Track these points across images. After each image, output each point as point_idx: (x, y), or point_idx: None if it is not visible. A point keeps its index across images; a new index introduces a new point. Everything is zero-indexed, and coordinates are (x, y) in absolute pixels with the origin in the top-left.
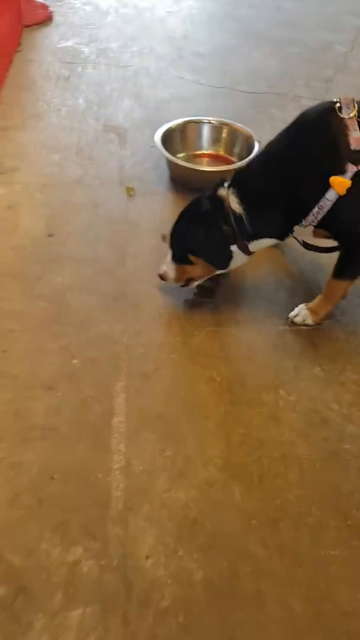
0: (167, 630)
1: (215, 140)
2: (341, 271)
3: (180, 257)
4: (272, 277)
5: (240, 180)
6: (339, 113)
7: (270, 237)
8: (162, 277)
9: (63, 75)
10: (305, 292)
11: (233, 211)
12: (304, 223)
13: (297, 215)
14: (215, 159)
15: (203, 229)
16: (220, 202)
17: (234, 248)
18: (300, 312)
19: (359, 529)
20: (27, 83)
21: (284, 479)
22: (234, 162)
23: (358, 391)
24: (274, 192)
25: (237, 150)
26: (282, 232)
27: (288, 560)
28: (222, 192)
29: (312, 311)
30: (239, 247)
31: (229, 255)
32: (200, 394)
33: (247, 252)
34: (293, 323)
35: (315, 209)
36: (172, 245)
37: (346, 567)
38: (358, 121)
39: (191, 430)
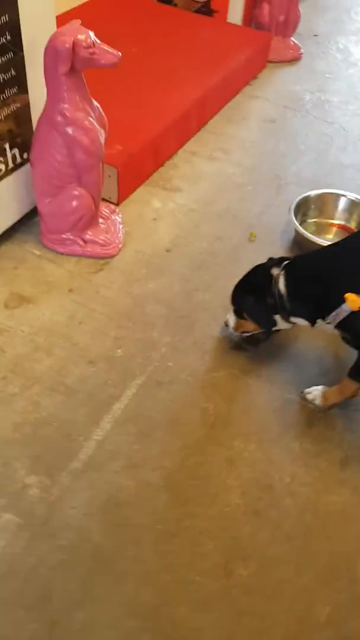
0: None
1: (350, 213)
2: (353, 372)
3: (238, 313)
4: (320, 350)
5: (293, 264)
6: None
7: (304, 319)
8: (226, 323)
9: (270, 117)
10: (338, 375)
11: (278, 290)
12: (326, 320)
13: (323, 312)
14: (344, 230)
15: (252, 297)
16: (271, 278)
17: (277, 317)
18: (314, 392)
19: None
20: (236, 118)
21: (203, 514)
22: None
23: (316, 478)
24: (310, 287)
25: None
26: (311, 321)
27: None
28: (275, 271)
29: (324, 395)
30: (281, 317)
31: (272, 321)
32: (189, 416)
33: (288, 322)
34: (304, 398)
35: (334, 313)
36: (232, 302)
37: None
38: None
39: (162, 439)
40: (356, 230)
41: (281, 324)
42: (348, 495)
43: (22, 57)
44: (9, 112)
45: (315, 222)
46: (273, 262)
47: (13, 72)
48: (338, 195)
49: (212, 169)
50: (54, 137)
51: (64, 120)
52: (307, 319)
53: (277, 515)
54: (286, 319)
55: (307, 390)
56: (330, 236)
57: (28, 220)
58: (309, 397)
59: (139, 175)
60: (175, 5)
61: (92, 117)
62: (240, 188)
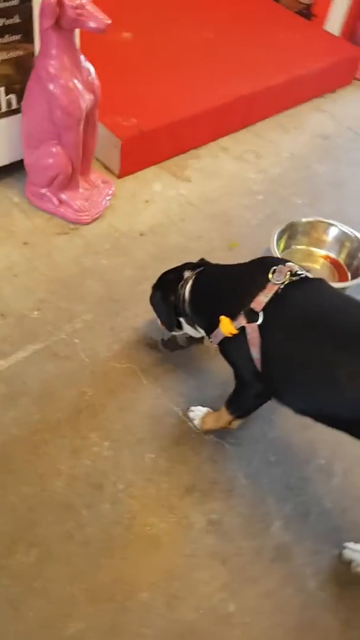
0: None
1: (341, 245)
2: (227, 403)
3: None
4: (230, 375)
5: (202, 274)
6: (270, 275)
7: (202, 329)
8: None
9: (325, 134)
10: None
11: (183, 293)
12: (210, 338)
13: (212, 328)
14: (332, 264)
15: (160, 294)
16: (181, 280)
17: (183, 320)
18: (197, 411)
19: None
20: (289, 125)
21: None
22: (346, 277)
23: (149, 495)
24: (204, 299)
25: (356, 263)
26: (206, 333)
27: None
28: (187, 274)
29: (204, 418)
30: (187, 322)
31: (176, 322)
32: (64, 395)
33: (195, 329)
34: (186, 414)
35: (214, 332)
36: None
37: None
38: (280, 290)
39: (24, 407)
40: (344, 264)
41: (188, 329)
42: (171, 524)
43: (30, 7)
44: (8, 57)
45: (301, 249)
46: (192, 264)
47: (18, 19)
48: (329, 225)
49: (233, 169)
50: (38, 91)
51: (47, 76)
52: (204, 329)
53: (88, 516)
54: (192, 324)
55: (192, 408)
56: (317, 266)
57: (21, 168)
58: (191, 415)
59: (150, 154)
60: (278, 1)
61: (78, 79)
62: (250, 196)
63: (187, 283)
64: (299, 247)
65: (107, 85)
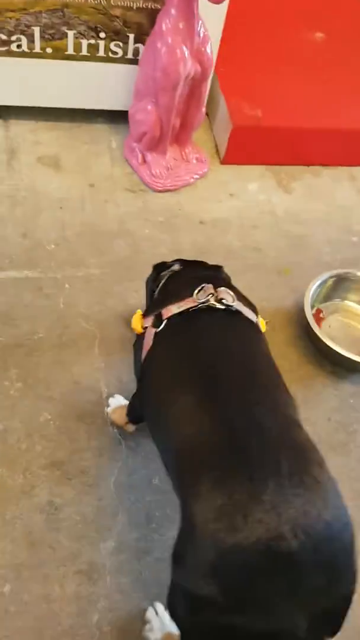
0: None
1: None
2: (127, 409)
3: None
4: None
5: (176, 272)
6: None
7: None
8: None
9: None
10: None
11: (158, 282)
12: None
13: None
14: None
15: (151, 275)
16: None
17: None
18: (116, 399)
19: None
20: None
21: None
22: None
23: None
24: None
25: None
26: None
27: None
28: (176, 267)
29: (115, 409)
30: None
31: None
32: None
33: None
34: (107, 403)
35: None
36: None
37: None
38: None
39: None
40: None
41: None
42: (15, 484)
43: None
44: (144, 6)
45: (347, 306)
46: (185, 261)
47: None
48: None
49: (347, 200)
50: (152, 46)
51: (159, 32)
52: None
53: None
54: None
55: (116, 395)
56: None
57: None
58: (110, 400)
59: (264, 152)
60: None
61: (187, 45)
62: (345, 233)
63: (165, 276)
64: (347, 302)
65: (260, 73)
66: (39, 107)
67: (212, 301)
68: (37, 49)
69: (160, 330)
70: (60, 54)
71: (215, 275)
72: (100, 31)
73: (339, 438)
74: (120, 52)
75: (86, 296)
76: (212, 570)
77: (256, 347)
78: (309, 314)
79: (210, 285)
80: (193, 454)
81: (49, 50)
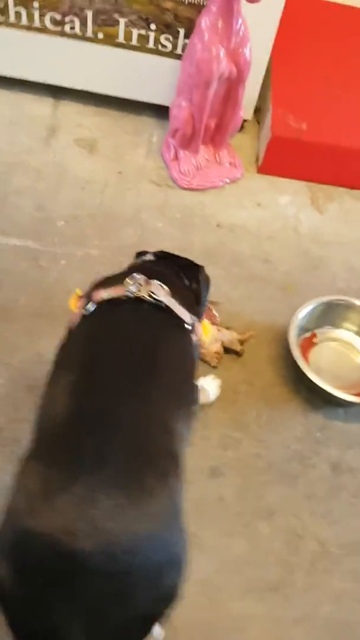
0: None
1: None
2: None
3: None
4: None
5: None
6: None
7: None
8: None
9: None
10: None
11: None
12: None
13: None
14: None
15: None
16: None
17: None
18: None
19: None
20: None
21: None
22: None
23: None
24: None
25: None
26: None
27: None
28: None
29: None
30: None
31: None
32: None
33: None
34: None
35: None
36: None
37: None
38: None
39: None
40: None
41: None
42: None
43: None
44: (195, 1)
45: (339, 336)
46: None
47: None
48: None
49: None
50: (191, 40)
51: (198, 29)
52: None
53: None
54: None
55: None
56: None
57: None
58: None
59: (302, 168)
60: None
61: (223, 44)
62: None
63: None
64: (346, 331)
65: (315, 87)
66: (89, 92)
67: (143, 293)
68: (89, 33)
69: (87, 313)
70: (111, 41)
71: (165, 270)
72: (151, 22)
73: (291, 468)
74: (169, 46)
75: (79, 275)
76: (7, 550)
77: (168, 346)
78: (292, 336)
79: (142, 277)
80: (40, 432)
81: (100, 35)
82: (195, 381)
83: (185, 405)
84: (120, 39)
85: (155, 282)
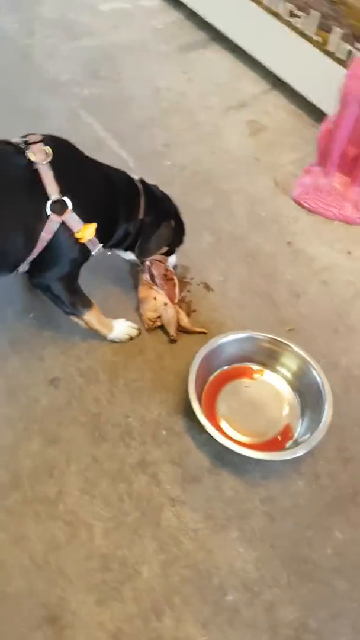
0: None
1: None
2: None
3: None
4: None
5: None
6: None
7: None
8: None
9: None
10: None
11: None
12: None
13: None
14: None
15: None
16: None
17: None
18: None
19: None
20: None
21: None
22: None
23: None
24: None
25: None
26: None
27: None
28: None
29: None
30: None
31: None
32: None
33: None
34: None
35: None
36: None
37: None
38: None
39: None
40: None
41: None
42: None
43: None
44: None
45: None
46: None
47: None
48: None
49: None
50: None
51: None
52: None
53: None
54: None
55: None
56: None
57: None
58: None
59: None
60: None
61: None
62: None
63: None
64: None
65: None
66: (291, 87)
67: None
68: (310, 33)
69: None
70: (321, 46)
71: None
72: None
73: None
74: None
75: None
76: None
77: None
78: (191, 381)
79: (36, 136)
80: None
81: (317, 38)
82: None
83: None
84: (331, 48)
85: (42, 146)
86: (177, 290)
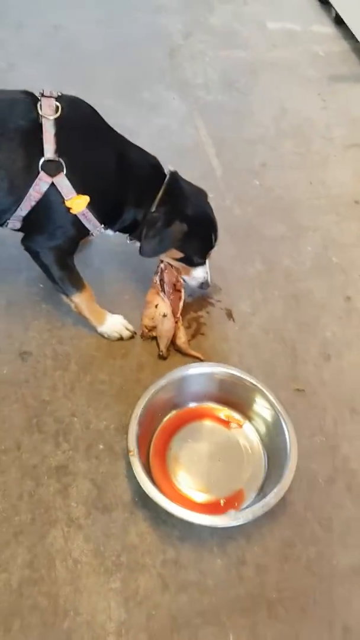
0: None
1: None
2: None
3: None
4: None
5: None
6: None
7: None
8: None
9: None
10: None
11: None
12: None
13: None
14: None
15: None
16: None
17: None
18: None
19: None
20: None
21: None
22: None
23: None
24: None
25: None
26: None
27: None
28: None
29: None
30: None
31: None
32: None
33: None
34: None
35: None
36: None
37: None
38: None
39: None
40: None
41: None
42: None
43: None
44: None
45: None
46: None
47: None
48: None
49: None
50: None
51: None
52: None
53: None
54: None
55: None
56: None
57: None
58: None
59: None
60: None
61: None
62: None
63: None
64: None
65: None
66: None
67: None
68: None
69: None
70: None
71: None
72: None
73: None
74: None
75: None
76: None
77: None
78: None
79: (53, 92)
80: None
81: None
82: None
83: None
84: None
85: (54, 102)
86: (181, 304)
